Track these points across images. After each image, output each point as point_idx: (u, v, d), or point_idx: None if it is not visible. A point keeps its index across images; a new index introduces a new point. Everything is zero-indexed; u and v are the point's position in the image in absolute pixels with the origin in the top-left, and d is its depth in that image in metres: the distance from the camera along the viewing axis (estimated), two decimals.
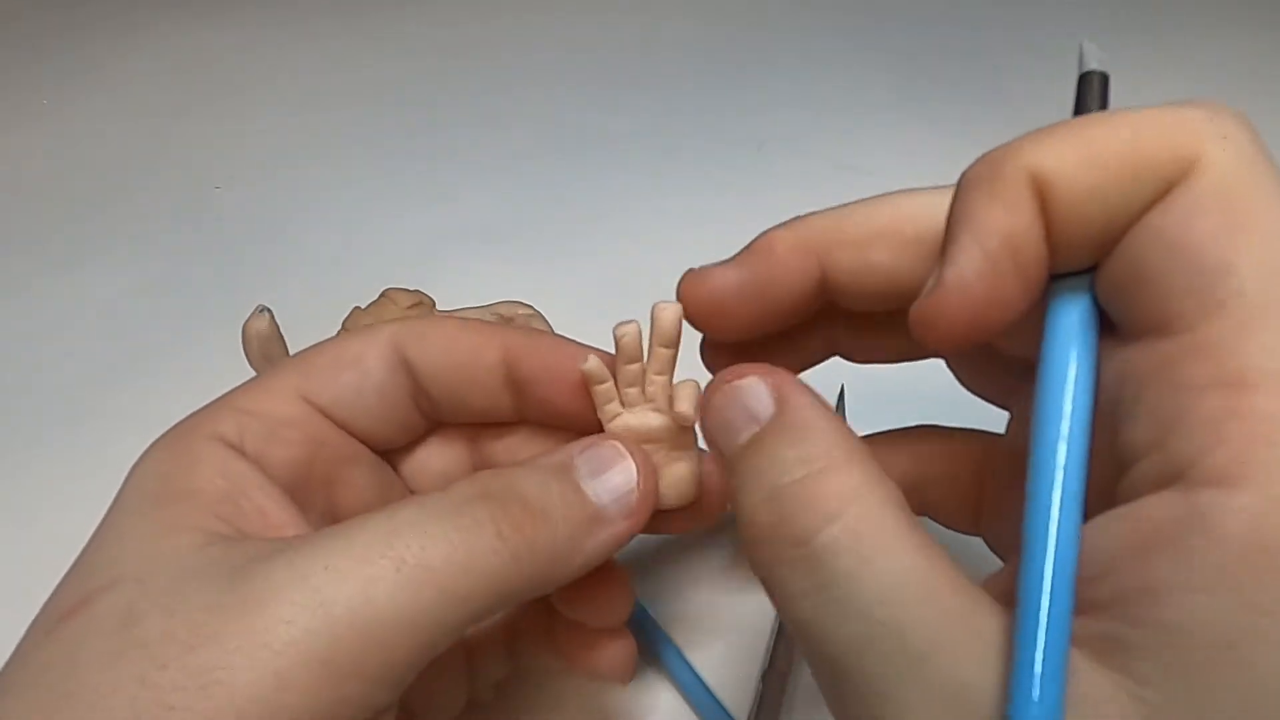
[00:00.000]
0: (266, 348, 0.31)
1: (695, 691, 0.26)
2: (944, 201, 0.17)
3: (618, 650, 0.24)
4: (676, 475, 0.21)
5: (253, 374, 0.32)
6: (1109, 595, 0.14)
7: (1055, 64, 0.53)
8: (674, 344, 0.21)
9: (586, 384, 0.21)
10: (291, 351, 0.32)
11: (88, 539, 0.19)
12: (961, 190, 0.16)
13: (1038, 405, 0.15)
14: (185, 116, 0.52)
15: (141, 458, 0.20)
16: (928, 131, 0.48)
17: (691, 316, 0.21)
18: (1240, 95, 0.49)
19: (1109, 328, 0.16)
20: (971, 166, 0.16)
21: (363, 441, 0.22)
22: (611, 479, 0.20)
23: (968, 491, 0.22)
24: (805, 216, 0.20)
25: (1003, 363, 0.20)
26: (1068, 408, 0.15)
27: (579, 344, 0.22)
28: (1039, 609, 0.14)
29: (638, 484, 0.20)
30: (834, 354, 0.23)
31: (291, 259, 0.42)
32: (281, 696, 0.15)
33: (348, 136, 0.50)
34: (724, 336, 0.21)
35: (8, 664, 0.17)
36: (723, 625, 0.28)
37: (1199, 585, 0.13)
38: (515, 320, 0.35)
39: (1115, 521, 0.14)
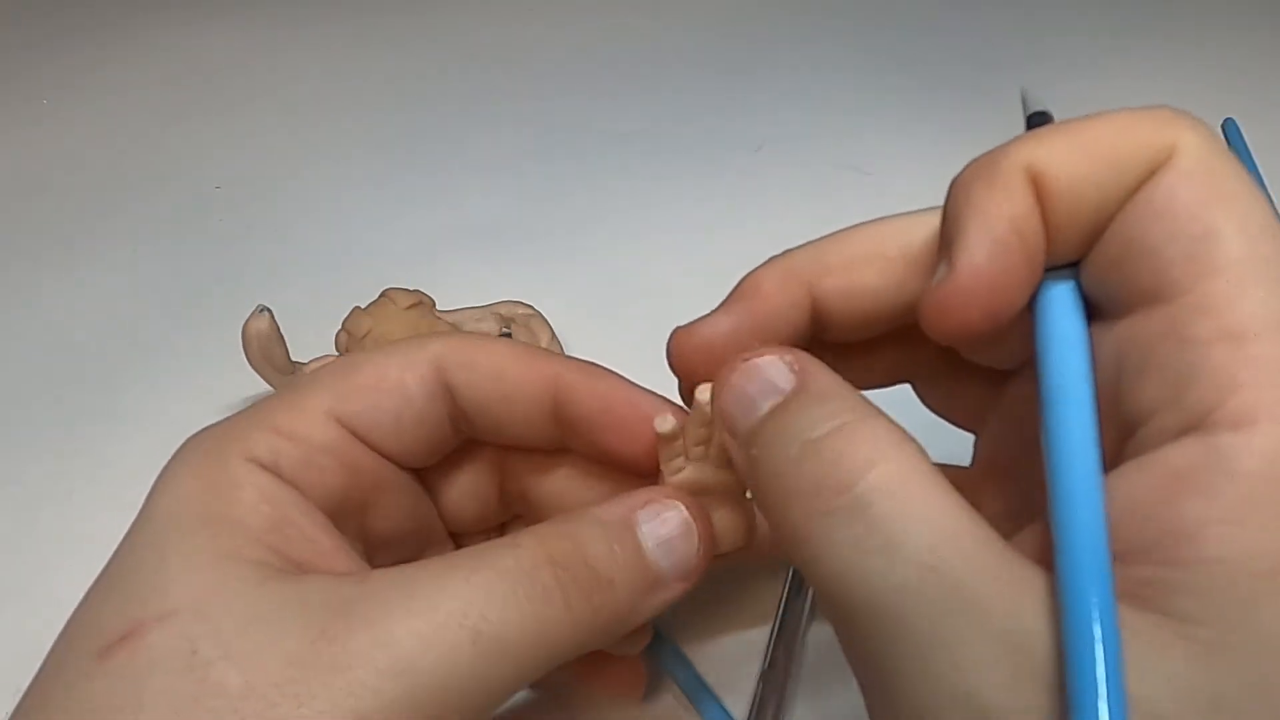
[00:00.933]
0: (266, 348, 0.31)
1: (695, 691, 0.26)
2: (919, 223, 0.19)
3: (628, 669, 0.24)
4: (732, 523, 0.21)
5: (253, 374, 0.32)
6: (1141, 542, 0.14)
7: (1055, 64, 0.53)
8: None
9: (657, 440, 0.21)
10: (292, 352, 0.32)
11: (109, 556, 0.18)
12: (958, 189, 0.17)
13: (1044, 374, 0.16)
14: (185, 116, 0.52)
15: (168, 475, 0.19)
16: (928, 131, 0.48)
17: (683, 372, 0.20)
18: (1238, 94, 0.49)
19: (1093, 315, 0.17)
20: (964, 169, 0.17)
21: (394, 462, 0.22)
22: (674, 543, 0.20)
23: None
24: (786, 252, 0.20)
25: (972, 382, 0.21)
26: (1077, 369, 0.16)
27: (635, 386, 0.22)
28: (1091, 621, 0.13)
29: (698, 550, 0.20)
30: None
31: (291, 259, 0.42)
32: None
33: (348, 136, 0.50)
34: None
35: (46, 686, 0.17)
36: (723, 625, 0.28)
37: (1231, 519, 0.13)
38: (515, 320, 0.35)
39: (1136, 472, 0.14)
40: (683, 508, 0.20)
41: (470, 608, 0.17)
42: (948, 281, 0.16)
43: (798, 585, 0.28)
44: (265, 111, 0.52)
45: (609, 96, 0.52)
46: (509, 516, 0.25)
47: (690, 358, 0.20)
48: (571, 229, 0.43)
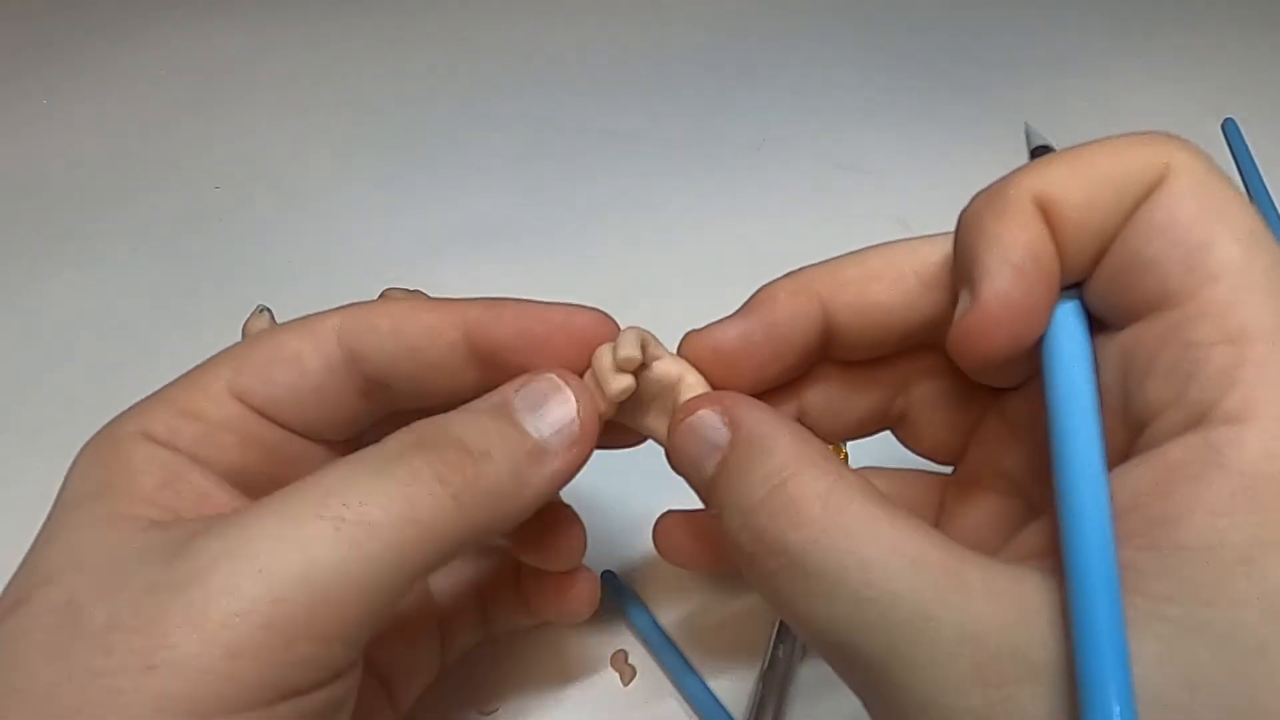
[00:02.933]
0: None
1: (695, 691, 0.26)
2: (930, 245, 0.19)
3: (580, 588, 0.25)
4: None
5: None
6: (1130, 529, 0.14)
7: (1055, 64, 0.53)
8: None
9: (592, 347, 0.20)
10: None
11: None
12: (970, 219, 0.17)
13: (1051, 382, 0.17)
14: (185, 116, 0.52)
15: (74, 460, 0.20)
16: (928, 131, 0.48)
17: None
18: (1238, 94, 0.49)
19: (1097, 328, 0.17)
20: (972, 201, 0.17)
21: (306, 437, 0.21)
22: (551, 411, 0.19)
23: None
24: (801, 268, 0.21)
25: (968, 403, 0.22)
26: (1083, 378, 0.16)
27: (542, 304, 0.21)
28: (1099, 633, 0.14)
29: (578, 413, 0.20)
30: None
31: (291, 259, 0.42)
32: (230, 666, 0.15)
33: (348, 136, 0.50)
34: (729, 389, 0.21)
35: None
36: (723, 625, 0.28)
37: (1215, 509, 0.14)
38: None
39: (1138, 466, 0.15)
40: (556, 377, 0.20)
41: (330, 498, 0.17)
42: (974, 310, 0.16)
43: None
44: (266, 112, 0.52)
45: (609, 96, 0.52)
46: None
47: (700, 360, 0.21)
48: (571, 229, 0.43)
